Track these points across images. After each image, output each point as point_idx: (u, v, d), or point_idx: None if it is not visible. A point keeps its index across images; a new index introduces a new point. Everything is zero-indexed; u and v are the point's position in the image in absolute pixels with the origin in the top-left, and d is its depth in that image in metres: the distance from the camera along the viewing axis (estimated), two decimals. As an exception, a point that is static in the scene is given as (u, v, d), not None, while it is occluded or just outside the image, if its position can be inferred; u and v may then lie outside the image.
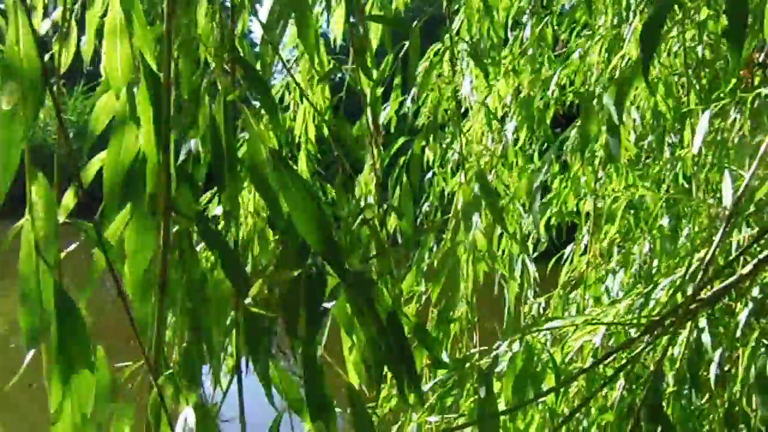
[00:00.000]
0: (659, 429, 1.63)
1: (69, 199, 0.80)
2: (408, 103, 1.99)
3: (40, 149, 0.79)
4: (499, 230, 1.79)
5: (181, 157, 0.85)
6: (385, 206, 0.93)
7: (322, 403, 0.72)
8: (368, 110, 1.34)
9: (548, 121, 2.42)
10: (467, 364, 1.66)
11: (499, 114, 2.26)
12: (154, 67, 0.83)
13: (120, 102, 0.83)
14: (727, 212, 2.13)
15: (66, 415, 0.55)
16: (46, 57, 1.18)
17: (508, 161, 2.09)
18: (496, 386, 1.75)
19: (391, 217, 1.60)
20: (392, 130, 2.03)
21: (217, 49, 0.83)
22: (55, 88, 1.11)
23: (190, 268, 0.78)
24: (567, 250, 2.42)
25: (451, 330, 1.65)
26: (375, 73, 1.72)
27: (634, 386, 1.87)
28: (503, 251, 1.82)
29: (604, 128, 1.56)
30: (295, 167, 1.00)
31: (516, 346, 1.72)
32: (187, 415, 0.68)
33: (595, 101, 1.62)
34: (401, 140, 1.64)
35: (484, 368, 1.65)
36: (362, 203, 1.24)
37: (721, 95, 2.42)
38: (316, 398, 0.71)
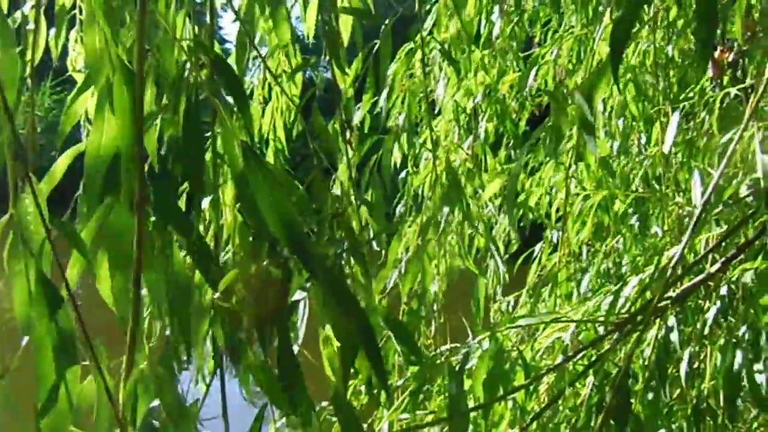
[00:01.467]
0: (627, 425, 1.71)
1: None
2: (381, 102, 2.05)
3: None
4: (468, 229, 1.85)
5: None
6: (356, 201, 0.97)
7: (298, 394, 0.77)
8: (341, 106, 1.39)
9: (523, 122, 2.49)
10: (438, 361, 1.71)
11: (468, 111, 2.33)
12: (126, 61, 0.87)
13: (98, 96, 0.87)
14: (696, 211, 2.22)
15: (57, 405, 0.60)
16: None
17: (477, 159, 2.15)
18: (467, 383, 1.81)
19: (363, 214, 1.66)
20: (366, 129, 2.08)
21: (192, 45, 0.87)
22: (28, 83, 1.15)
23: (166, 262, 0.82)
24: (536, 249, 2.49)
25: (421, 327, 1.71)
26: (347, 70, 1.78)
27: (603, 383, 1.94)
28: (473, 249, 1.88)
29: (575, 127, 1.63)
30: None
31: (486, 344, 1.78)
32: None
33: (567, 100, 1.69)
34: (374, 138, 1.69)
35: (454, 365, 1.72)
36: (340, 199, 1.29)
37: (690, 95, 2.52)
38: (292, 390, 0.76)
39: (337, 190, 1.27)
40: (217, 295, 0.81)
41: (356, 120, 1.99)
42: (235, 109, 0.85)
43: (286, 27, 1.28)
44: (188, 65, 0.91)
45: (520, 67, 2.35)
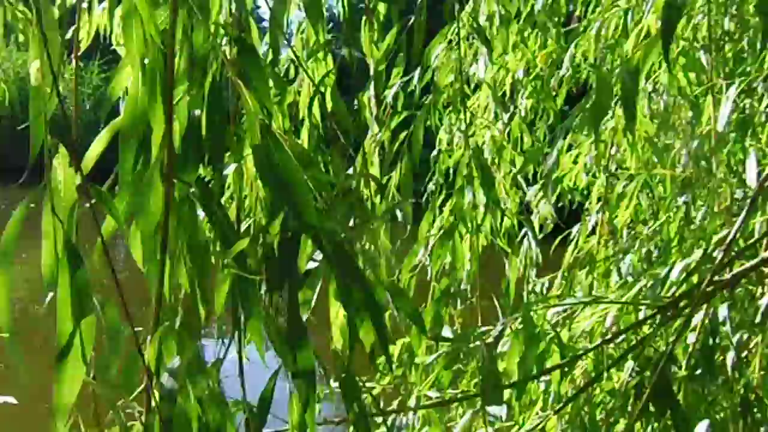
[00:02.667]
0: (667, 412, 1.73)
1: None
2: (415, 80, 2.10)
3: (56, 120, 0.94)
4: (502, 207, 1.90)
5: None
6: (363, 177, 1.04)
7: (302, 348, 0.85)
8: (372, 83, 1.46)
9: (561, 99, 2.51)
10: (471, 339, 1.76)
11: (507, 89, 2.36)
12: (159, 41, 0.96)
13: (134, 74, 0.96)
14: (750, 193, 2.22)
15: (72, 353, 0.70)
16: (69, 32, 1.34)
17: (513, 137, 2.18)
18: (500, 363, 1.87)
19: (392, 191, 1.73)
20: (399, 107, 2.14)
21: (227, 25, 0.96)
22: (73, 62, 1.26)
23: (190, 228, 0.91)
24: (573, 230, 2.51)
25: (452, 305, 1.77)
26: (380, 47, 1.85)
27: (643, 368, 1.96)
28: (504, 228, 1.92)
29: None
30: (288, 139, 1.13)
31: (520, 324, 1.83)
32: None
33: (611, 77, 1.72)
34: (403, 114, 1.75)
35: (487, 343, 1.78)
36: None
37: (747, 70, 2.49)
38: (297, 345, 0.84)
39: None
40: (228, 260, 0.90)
41: (390, 96, 2.06)
42: (253, 87, 0.93)
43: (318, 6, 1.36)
44: (215, 45, 1.00)
45: (560, 42, 2.37)
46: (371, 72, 1.57)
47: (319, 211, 0.93)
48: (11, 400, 0.78)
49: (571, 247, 2.54)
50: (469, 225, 1.73)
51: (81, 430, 0.80)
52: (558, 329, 1.92)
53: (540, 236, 2.58)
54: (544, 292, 2.41)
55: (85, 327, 0.71)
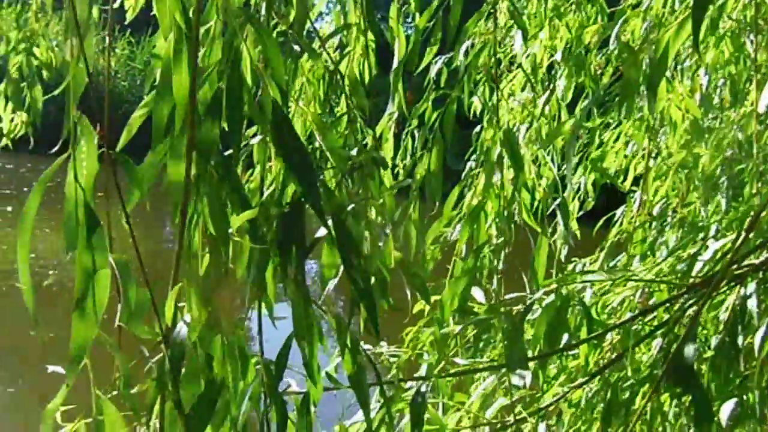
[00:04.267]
0: (685, 389, 1.73)
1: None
2: (460, 56, 2.11)
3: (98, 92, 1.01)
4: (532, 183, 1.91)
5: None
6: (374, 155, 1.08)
7: (308, 324, 0.91)
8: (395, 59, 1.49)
9: (607, 78, 2.48)
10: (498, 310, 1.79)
11: (543, 68, 2.34)
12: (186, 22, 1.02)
13: (165, 48, 1.03)
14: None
15: (86, 308, 0.77)
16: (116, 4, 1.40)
17: (550, 113, 2.17)
18: (528, 334, 1.89)
19: (421, 168, 1.77)
20: (442, 83, 2.16)
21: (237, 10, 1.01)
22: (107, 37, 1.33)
23: (210, 198, 0.97)
24: (618, 212, 2.50)
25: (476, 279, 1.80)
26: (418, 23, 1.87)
27: (670, 347, 1.95)
28: (535, 206, 1.93)
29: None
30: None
31: (550, 298, 1.85)
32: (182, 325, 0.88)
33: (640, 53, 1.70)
34: (428, 95, 1.77)
35: (514, 314, 1.80)
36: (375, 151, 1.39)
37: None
38: (302, 321, 0.90)
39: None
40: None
41: (433, 73, 2.08)
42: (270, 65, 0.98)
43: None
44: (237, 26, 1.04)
45: (603, 19, 2.34)
46: (396, 51, 1.59)
47: (325, 185, 0.97)
48: (60, 370, 0.85)
49: (614, 229, 2.53)
50: (498, 204, 1.75)
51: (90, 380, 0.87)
52: (588, 304, 1.93)
53: (576, 216, 2.58)
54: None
55: (99, 280, 0.78)
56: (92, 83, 1.00)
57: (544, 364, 1.94)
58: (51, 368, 1.10)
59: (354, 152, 1.12)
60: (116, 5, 1.44)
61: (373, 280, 0.99)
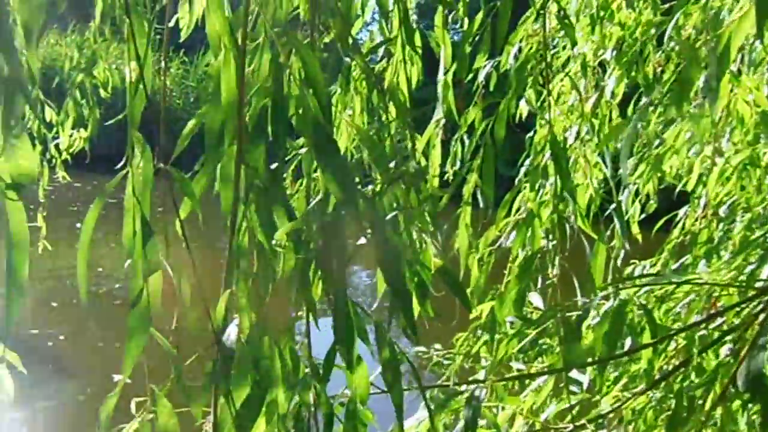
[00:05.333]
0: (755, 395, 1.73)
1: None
2: (510, 59, 2.17)
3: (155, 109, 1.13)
4: (589, 187, 1.95)
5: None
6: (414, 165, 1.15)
7: (348, 329, 0.99)
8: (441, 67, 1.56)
9: (668, 74, 2.48)
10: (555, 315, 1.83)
11: (591, 68, 2.36)
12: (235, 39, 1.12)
13: (215, 66, 1.13)
14: None
15: (140, 308, 0.87)
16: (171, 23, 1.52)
17: (601, 113, 2.20)
18: (586, 339, 1.92)
19: (472, 175, 1.83)
20: (491, 87, 2.22)
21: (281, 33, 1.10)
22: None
23: (257, 209, 1.07)
24: (681, 212, 2.50)
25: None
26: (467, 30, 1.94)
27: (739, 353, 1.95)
28: (591, 210, 1.96)
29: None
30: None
31: (609, 302, 1.87)
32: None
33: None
34: (473, 104, 1.82)
35: (571, 319, 1.83)
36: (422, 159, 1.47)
37: None
38: (342, 325, 0.99)
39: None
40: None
41: (481, 77, 2.14)
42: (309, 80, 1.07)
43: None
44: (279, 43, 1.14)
45: (657, 15, 2.34)
46: (441, 58, 1.67)
47: (364, 195, 1.06)
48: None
49: (676, 230, 2.53)
50: (550, 209, 1.79)
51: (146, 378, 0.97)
52: (650, 308, 1.94)
53: (637, 219, 2.59)
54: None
55: (152, 283, 0.88)
56: (149, 103, 1.12)
57: (603, 369, 1.96)
58: (117, 377, 1.20)
59: (395, 163, 1.20)
60: (170, 24, 1.55)
61: (411, 286, 1.07)
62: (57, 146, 3.02)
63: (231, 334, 0.97)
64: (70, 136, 2.89)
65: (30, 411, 5.31)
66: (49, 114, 2.89)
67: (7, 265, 0.78)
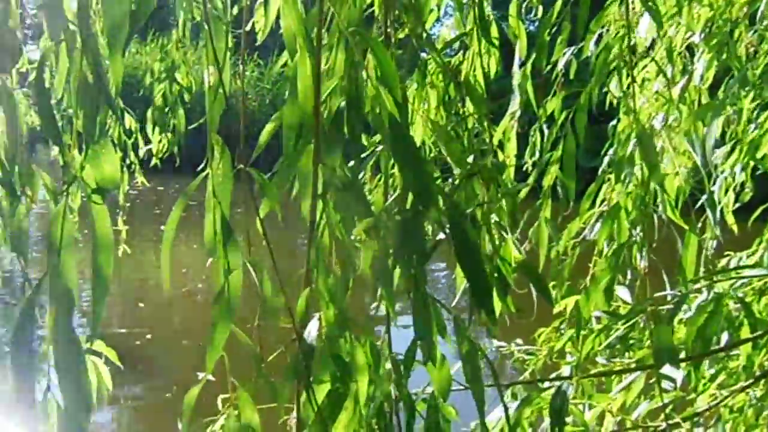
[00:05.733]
0: None
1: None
2: (591, 47, 2.13)
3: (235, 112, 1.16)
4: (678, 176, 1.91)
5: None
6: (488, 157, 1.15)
7: (426, 325, 1.01)
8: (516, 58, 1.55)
9: (764, 58, 2.39)
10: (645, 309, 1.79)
11: (677, 52, 2.29)
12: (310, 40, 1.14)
13: (291, 70, 1.16)
14: None
15: (222, 304, 0.91)
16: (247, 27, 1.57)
17: (690, 99, 2.13)
18: (679, 334, 1.88)
19: (551, 166, 1.81)
20: (571, 75, 2.19)
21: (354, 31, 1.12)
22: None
23: (336, 206, 1.10)
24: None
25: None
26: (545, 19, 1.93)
27: None
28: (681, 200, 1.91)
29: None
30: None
31: (703, 295, 1.82)
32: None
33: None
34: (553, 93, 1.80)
35: (662, 313, 1.80)
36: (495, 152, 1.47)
37: None
38: (422, 321, 1.00)
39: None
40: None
41: (560, 65, 2.12)
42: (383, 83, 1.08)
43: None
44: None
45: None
46: (517, 49, 1.66)
47: (442, 190, 1.07)
48: (209, 377, 1.00)
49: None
50: (637, 200, 1.76)
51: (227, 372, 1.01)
52: (748, 301, 1.88)
53: (731, 209, 2.50)
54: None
55: (233, 281, 0.92)
56: (227, 106, 1.16)
57: (698, 366, 1.91)
58: (201, 375, 1.24)
59: (474, 157, 1.20)
60: (246, 29, 1.60)
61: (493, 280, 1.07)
62: (137, 152, 3.15)
63: (312, 330, 1.00)
64: (159, 141, 3.02)
65: (117, 409, 5.55)
66: (128, 121, 3.02)
67: (92, 266, 0.83)
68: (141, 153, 3.12)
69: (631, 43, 1.95)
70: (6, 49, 1.15)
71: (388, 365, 1.16)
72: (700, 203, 2.03)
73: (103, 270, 0.83)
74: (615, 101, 2.33)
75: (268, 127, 1.24)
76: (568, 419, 1.63)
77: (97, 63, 0.91)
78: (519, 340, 2.03)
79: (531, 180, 1.76)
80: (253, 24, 1.86)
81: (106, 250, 0.83)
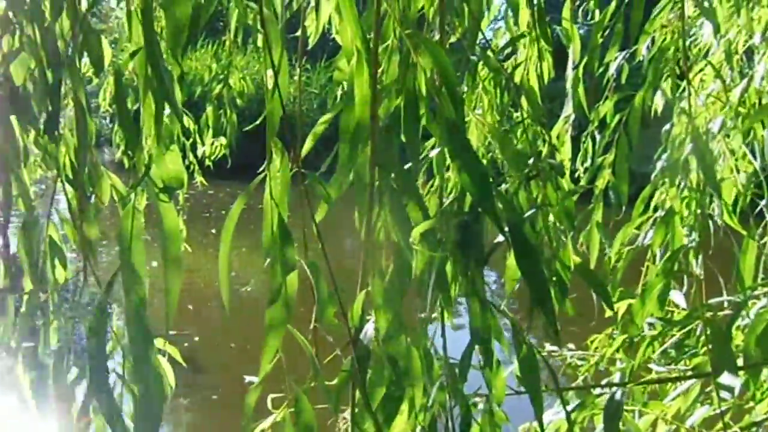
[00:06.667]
0: None
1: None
2: (643, 50, 2.10)
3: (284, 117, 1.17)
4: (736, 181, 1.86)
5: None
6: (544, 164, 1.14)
7: (484, 328, 1.00)
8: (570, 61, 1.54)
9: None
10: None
11: (736, 54, 2.24)
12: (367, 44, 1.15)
13: (347, 69, 1.16)
14: None
15: (278, 305, 0.92)
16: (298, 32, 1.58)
17: (749, 102, 2.08)
18: (737, 341, 1.83)
19: (604, 171, 1.79)
20: (623, 80, 2.16)
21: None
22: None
23: (392, 209, 1.09)
24: None
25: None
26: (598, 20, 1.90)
27: None
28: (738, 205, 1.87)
29: None
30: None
31: (762, 302, 1.78)
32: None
33: None
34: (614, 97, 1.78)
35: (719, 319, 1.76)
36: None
37: None
38: (479, 324, 0.99)
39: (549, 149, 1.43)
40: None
41: (612, 70, 2.09)
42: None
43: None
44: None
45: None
46: (570, 52, 1.64)
47: (500, 193, 1.06)
48: (255, 379, 1.01)
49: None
50: (692, 205, 1.73)
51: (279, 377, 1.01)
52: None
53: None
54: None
55: (289, 282, 0.93)
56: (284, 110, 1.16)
57: (758, 374, 1.86)
58: (248, 378, 1.24)
59: (531, 160, 1.19)
60: (297, 33, 1.60)
61: (551, 284, 1.06)
62: (195, 153, 3.20)
63: (368, 333, 1.00)
64: (211, 144, 3.06)
65: (166, 409, 5.63)
66: (186, 121, 3.07)
67: (164, 259, 0.85)
68: (198, 154, 3.17)
69: (687, 47, 1.92)
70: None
71: (443, 369, 1.16)
72: (759, 208, 1.98)
73: (174, 262, 0.85)
74: (668, 105, 2.29)
75: (319, 127, 1.24)
76: (621, 426, 1.61)
77: (160, 68, 0.93)
78: (571, 345, 2.01)
79: (583, 182, 1.74)
80: (304, 29, 1.87)
81: (176, 243, 0.85)
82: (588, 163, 2.14)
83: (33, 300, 1.45)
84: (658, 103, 2.16)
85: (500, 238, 1.08)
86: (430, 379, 1.12)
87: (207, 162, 3.24)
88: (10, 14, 1.38)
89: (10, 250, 1.52)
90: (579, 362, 1.97)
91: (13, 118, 1.40)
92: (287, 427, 1.04)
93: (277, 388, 1.18)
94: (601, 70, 2.02)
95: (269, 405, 1.28)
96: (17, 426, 1.59)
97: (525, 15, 1.54)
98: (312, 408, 1.06)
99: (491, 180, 1.00)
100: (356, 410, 1.07)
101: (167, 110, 0.96)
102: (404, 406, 1.03)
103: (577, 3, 1.87)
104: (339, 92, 1.32)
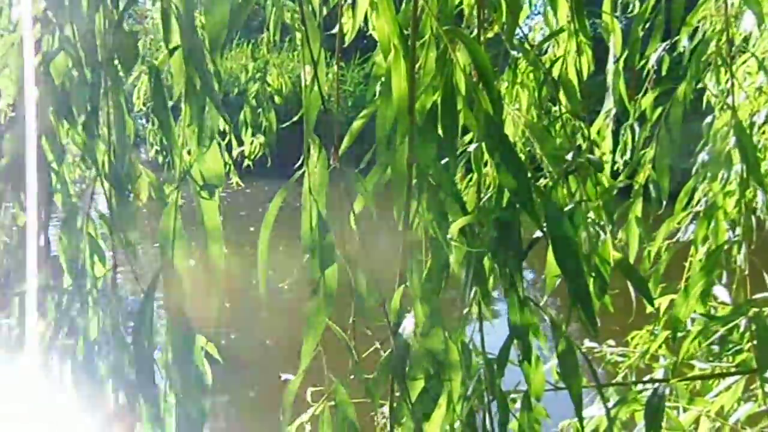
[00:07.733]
0: None
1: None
2: (684, 41, 2.08)
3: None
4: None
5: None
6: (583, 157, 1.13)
7: (522, 324, 1.00)
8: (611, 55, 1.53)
9: None
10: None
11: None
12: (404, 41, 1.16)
13: (384, 65, 1.18)
14: None
15: (318, 298, 0.93)
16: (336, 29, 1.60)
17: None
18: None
19: (644, 166, 1.78)
20: (663, 72, 2.14)
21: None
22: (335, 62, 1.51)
23: (430, 205, 1.10)
24: None
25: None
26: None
27: None
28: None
29: None
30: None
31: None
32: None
33: None
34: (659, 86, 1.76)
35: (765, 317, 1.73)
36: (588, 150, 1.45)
37: None
38: (517, 320, 1.00)
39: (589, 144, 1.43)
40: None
41: (652, 62, 2.07)
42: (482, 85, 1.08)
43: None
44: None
45: None
46: (611, 46, 1.63)
47: (540, 189, 1.06)
48: (292, 377, 1.02)
49: None
50: (735, 200, 1.71)
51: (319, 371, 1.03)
52: None
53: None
54: None
55: (328, 275, 0.94)
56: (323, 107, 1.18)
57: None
58: (284, 376, 1.26)
59: (570, 155, 1.19)
60: (332, 31, 1.62)
61: (590, 280, 1.06)
62: (231, 153, 3.24)
63: (407, 327, 1.01)
64: (251, 142, 3.10)
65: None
66: (221, 122, 3.09)
67: (208, 255, 0.87)
68: (234, 154, 3.21)
69: (731, 38, 1.89)
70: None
71: (481, 363, 1.17)
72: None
73: (215, 257, 0.87)
74: (711, 98, 2.26)
75: (357, 123, 1.25)
76: (663, 423, 1.60)
77: (201, 67, 0.95)
78: (611, 341, 2.00)
79: (622, 177, 1.73)
80: (341, 26, 1.89)
81: (216, 238, 0.87)
82: (627, 156, 2.12)
83: (73, 297, 1.48)
84: (710, 92, 2.13)
85: (539, 233, 1.09)
86: (468, 373, 1.13)
87: (246, 161, 3.27)
88: (50, 14, 1.41)
89: (51, 250, 1.56)
90: (619, 359, 1.96)
91: (52, 117, 1.44)
92: (325, 421, 1.06)
93: (315, 384, 1.20)
94: (641, 63, 2.00)
95: (308, 398, 1.30)
96: (60, 423, 1.63)
97: (564, 8, 1.53)
98: (351, 401, 1.08)
99: (530, 175, 1.01)
100: (395, 404, 1.08)
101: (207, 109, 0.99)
102: (442, 400, 1.04)
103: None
104: (377, 88, 1.33)
